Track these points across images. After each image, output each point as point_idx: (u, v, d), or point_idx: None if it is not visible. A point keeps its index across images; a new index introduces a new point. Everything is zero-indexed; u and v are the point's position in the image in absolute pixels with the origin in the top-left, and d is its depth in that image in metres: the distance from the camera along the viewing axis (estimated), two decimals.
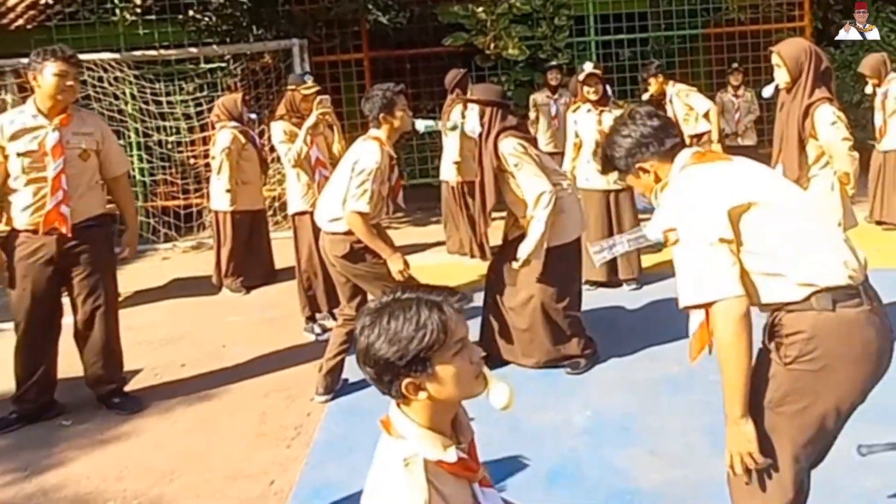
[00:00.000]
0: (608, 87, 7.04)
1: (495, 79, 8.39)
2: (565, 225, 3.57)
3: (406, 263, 3.38)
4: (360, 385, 3.51)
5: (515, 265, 3.53)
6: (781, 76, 3.47)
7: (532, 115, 7.24)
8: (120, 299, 3.89)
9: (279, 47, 7.75)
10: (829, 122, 3.29)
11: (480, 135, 3.64)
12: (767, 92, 3.89)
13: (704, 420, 3.01)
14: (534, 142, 3.71)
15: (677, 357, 3.57)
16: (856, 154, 3.38)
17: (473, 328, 3.90)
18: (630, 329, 4.14)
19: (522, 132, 3.63)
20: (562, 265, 3.59)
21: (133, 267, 6.21)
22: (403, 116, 3.46)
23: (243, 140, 5.56)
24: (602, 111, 4.93)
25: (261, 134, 6.19)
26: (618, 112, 5.10)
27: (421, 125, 4.21)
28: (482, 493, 1.36)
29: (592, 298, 4.69)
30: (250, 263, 5.53)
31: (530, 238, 3.46)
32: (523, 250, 3.47)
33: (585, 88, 4.93)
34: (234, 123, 5.55)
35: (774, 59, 3.48)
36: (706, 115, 5.77)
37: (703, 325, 1.85)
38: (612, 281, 4.90)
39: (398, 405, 1.33)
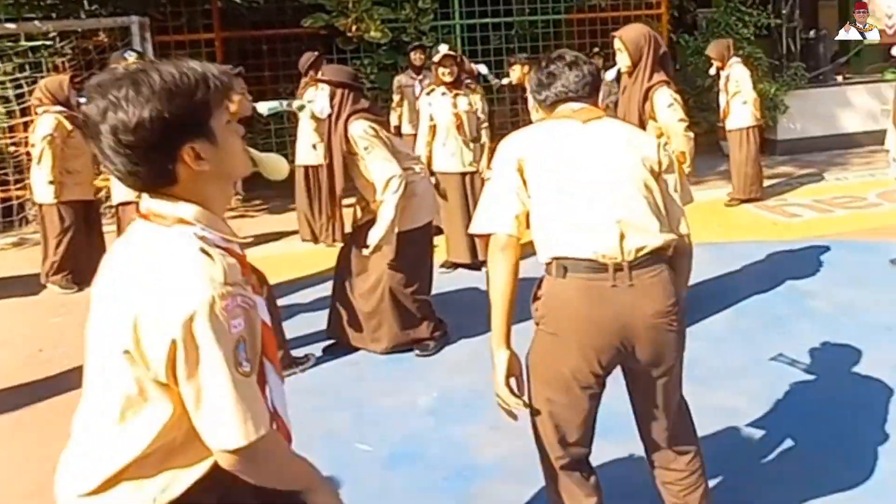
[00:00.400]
0: (485, 68, 7.31)
1: (357, 62, 8.35)
2: (416, 209, 3.61)
3: None
4: None
5: (366, 251, 3.53)
6: (623, 60, 3.69)
7: (396, 98, 7.27)
8: None
9: (115, 24, 7.31)
10: (666, 105, 3.54)
11: (330, 116, 3.62)
12: (610, 75, 4.12)
13: None
14: (386, 125, 3.73)
15: (527, 335, 3.72)
16: (691, 134, 3.66)
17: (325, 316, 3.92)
18: (483, 309, 4.23)
19: (374, 115, 3.64)
20: (412, 249, 3.63)
21: None
22: (241, 100, 3.38)
23: (69, 126, 5.21)
24: (457, 94, 5.04)
25: None
26: (473, 96, 5.25)
27: (264, 107, 4.12)
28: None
29: (450, 280, 4.80)
30: (80, 259, 5.17)
31: (380, 223, 3.47)
32: (373, 236, 3.48)
33: (441, 70, 5.01)
34: (58, 108, 5.22)
35: (616, 44, 3.69)
36: None
37: None
38: (473, 263, 5.03)
39: (163, 195, 1.21)
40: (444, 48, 5.20)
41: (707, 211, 6.26)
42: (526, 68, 6.03)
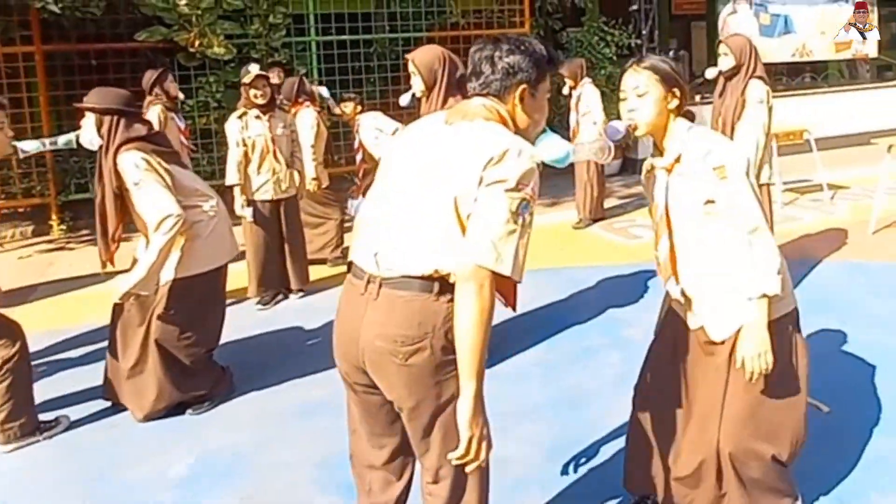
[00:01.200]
0: (326, 90, 7.09)
1: (203, 79, 7.98)
2: (200, 253, 3.30)
3: None
4: None
5: (115, 299, 3.21)
6: (417, 84, 3.55)
7: None
8: None
9: None
10: None
11: (101, 147, 3.28)
12: (404, 101, 3.96)
13: (321, 451, 2.93)
14: (171, 155, 3.41)
15: (322, 381, 3.51)
16: None
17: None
18: (287, 352, 4.02)
19: (153, 143, 3.32)
20: (190, 299, 3.30)
21: None
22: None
23: None
24: (271, 116, 4.79)
25: None
26: (290, 117, 5.03)
27: (29, 146, 3.69)
28: None
29: (265, 319, 4.55)
30: None
31: (138, 268, 3.15)
32: (126, 282, 3.16)
33: (252, 92, 4.74)
34: None
35: (410, 67, 3.55)
36: (395, 133, 5.87)
37: None
38: (285, 291, 4.94)
39: None
40: (254, 68, 4.93)
41: (553, 234, 6.28)
42: (359, 107, 5.84)
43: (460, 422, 1.60)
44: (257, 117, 4.77)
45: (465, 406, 1.59)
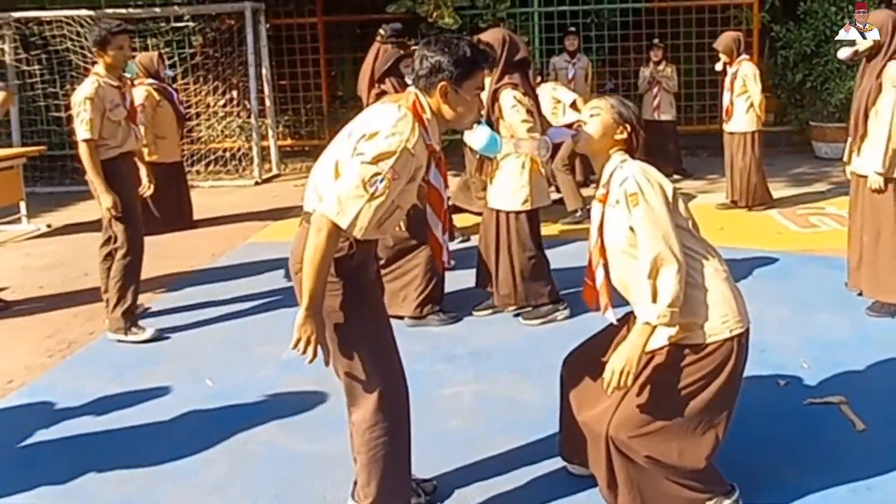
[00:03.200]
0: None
1: None
2: None
3: (115, 204, 3.45)
4: None
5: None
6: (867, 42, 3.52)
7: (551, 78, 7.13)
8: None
9: (233, 10, 8.09)
10: (509, 106, 3.39)
11: None
12: (843, 53, 3.96)
13: None
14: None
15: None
16: (537, 136, 3.41)
17: None
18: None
19: None
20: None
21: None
22: (116, 55, 3.52)
23: (157, 97, 5.92)
24: None
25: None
26: None
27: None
28: None
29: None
30: (170, 209, 5.80)
31: None
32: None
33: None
34: (150, 80, 5.92)
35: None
36: (573, 106, 5.68)
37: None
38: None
39: None
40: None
41: (704, 215, 5.60)
42: (538, 78, 5.77)
43: (295, 324, 1.84)
44: None
45: (298, 314, 1.84)
